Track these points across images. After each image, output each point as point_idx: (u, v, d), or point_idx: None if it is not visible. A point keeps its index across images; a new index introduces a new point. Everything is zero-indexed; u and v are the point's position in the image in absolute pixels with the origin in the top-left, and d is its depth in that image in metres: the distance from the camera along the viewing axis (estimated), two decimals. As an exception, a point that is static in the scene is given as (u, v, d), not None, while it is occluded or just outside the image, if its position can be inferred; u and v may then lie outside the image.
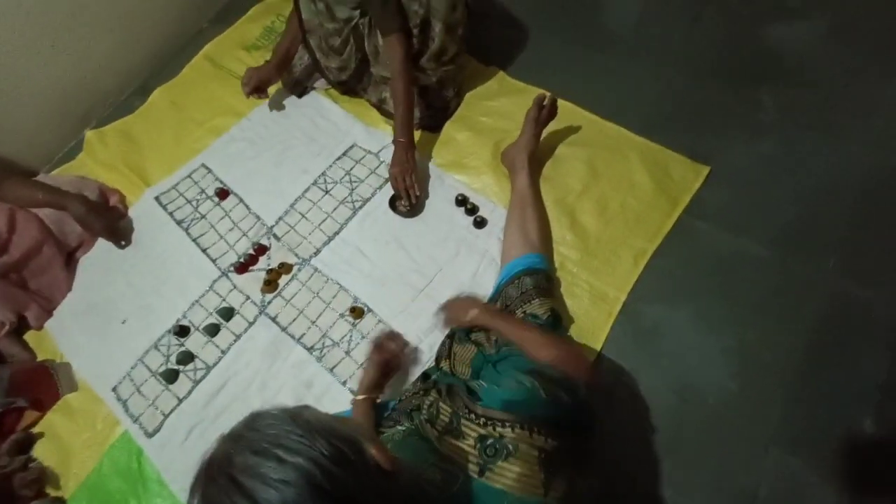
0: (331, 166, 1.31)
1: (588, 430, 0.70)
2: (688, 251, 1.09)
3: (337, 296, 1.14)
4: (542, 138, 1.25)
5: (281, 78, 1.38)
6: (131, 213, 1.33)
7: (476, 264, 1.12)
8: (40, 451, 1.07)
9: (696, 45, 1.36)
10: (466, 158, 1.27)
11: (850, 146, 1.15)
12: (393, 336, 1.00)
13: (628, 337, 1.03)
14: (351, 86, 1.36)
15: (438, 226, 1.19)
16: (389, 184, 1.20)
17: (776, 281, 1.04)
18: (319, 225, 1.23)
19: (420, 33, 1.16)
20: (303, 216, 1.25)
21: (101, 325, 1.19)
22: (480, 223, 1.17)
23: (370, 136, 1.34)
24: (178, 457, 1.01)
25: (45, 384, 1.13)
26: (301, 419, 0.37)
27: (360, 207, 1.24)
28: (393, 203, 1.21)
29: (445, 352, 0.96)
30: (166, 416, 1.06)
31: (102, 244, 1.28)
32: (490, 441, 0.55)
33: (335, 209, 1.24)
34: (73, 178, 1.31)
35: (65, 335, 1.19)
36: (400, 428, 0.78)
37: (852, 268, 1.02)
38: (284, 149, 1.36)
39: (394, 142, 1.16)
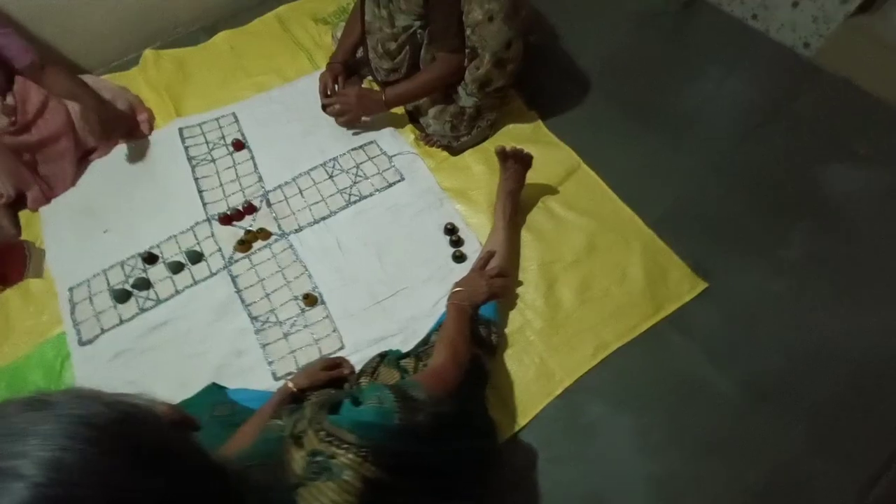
0: (344, 154, 1.32)
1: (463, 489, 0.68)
2: (653, 361, 1.03)
3: (299, 278, 1.14)
4: (556, 197, 1.23)
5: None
6: (154, 136, 1.38)
7: (440, 296, 1.10)
8: (-14, 322, 1.13)
9: (745, 158, 1.30)
10: (473, 191, 1.26)
11: (865, 317, 1.05)
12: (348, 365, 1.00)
13: (559, 425, 0.97)
14: (395, 86, 1.38)
15: (422, 247, 1.17)
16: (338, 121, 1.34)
17: (734, 427, 0.96)
18: (311, 205, 1.24)
19: (468, 59, 1.16)
20: (300, 191, 1.26)
21: (87, 227, 1.24)
22: (459, 258, 1.15)
23: (392, 138, 1.35)
24: (97, 375, 1.03)
25: (16, 262, 1.18)
26: (64, 393, 0.34)
27: (355, 202, 1.24)
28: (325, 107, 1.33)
29: (370, 370, 0.94)
30: (103, 332, 1.08)
31: (119, 154, 1.34)
32: (319, 458, 0.52)
33: (331, 195, 1.25)
34: (116, 86, 1.38)
35: (52, 224, 1.25)
36: (278, 422, 0.76)
37: (818, 441, 0.93)
38: (314, 125, 1.38)
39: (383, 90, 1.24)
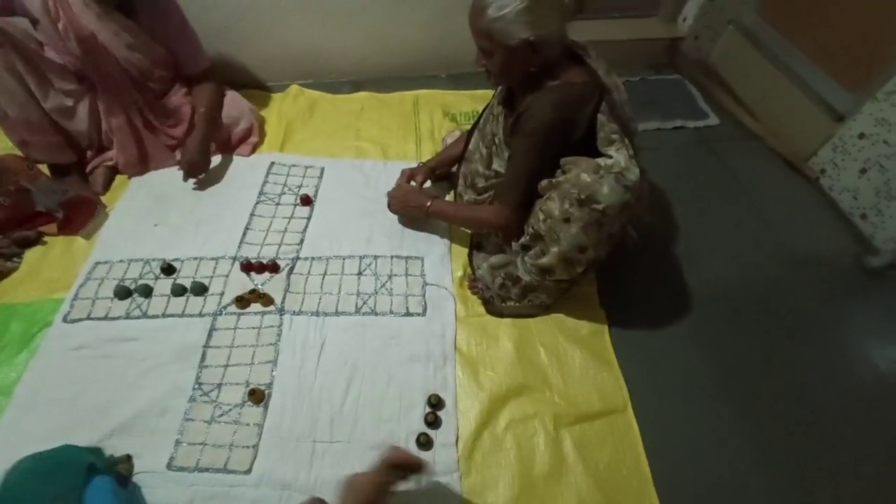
0: (385, 256, 1.23)
1: None
2: None
3: (264, 364, 1.04)
4: (573, 429, 0.96)
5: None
6: (250, 161, 1.46)
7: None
8: (28, 255, 1.23)
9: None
10: (486, 371, 1.05)
11: None
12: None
13: None
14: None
15: (395, 402, 0.99)
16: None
17: None
18: (324, 294, 1.15)
19: (531, 238, 0.99)
20: (323, 275, 1.19)
21: (148, 211, 1.32)
22: (425, 444, 0.94)
23: (441, 262, 1.22)
24: (55, 358, 1.03)
25: (84, 216, 1.29)
26: None
27: (365, 314, 1.12)
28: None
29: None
30: (86, 319, 1.10)
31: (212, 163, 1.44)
32: None
33: (348, 295, 1.15)
34: (248, 105, 1.50)
35: (131, 197, 1.36)
36: None
37: None
38: (377, 209, 1.30)
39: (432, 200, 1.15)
